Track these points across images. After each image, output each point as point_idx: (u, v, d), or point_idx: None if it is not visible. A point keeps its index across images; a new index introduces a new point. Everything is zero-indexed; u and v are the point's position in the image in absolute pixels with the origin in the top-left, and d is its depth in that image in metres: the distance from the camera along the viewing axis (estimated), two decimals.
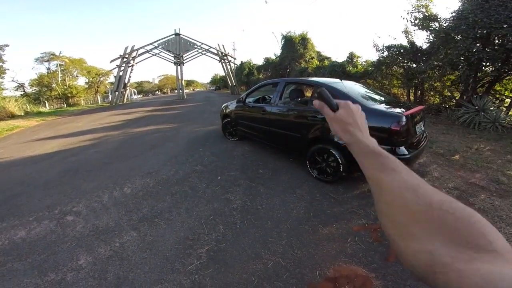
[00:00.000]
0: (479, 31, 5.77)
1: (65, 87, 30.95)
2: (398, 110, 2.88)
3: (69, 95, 30.67)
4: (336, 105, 0.55)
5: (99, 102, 31.79)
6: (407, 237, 0.33)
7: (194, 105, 16.14)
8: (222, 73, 42.03)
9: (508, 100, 6.82)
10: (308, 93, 4.72)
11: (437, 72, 7.40)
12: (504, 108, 6.33)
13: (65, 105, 28.62)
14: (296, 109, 3.88)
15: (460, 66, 6.24)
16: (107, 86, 36.88)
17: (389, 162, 0.43)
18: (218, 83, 51.90)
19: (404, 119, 2.61)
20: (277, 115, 4.03)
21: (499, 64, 6.03)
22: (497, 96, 7.01)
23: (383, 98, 3.52)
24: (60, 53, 31.97)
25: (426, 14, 7.33)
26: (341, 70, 12.90)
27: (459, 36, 6.22)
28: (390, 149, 2.68)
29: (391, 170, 0.42)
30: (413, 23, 7.69)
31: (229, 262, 2.05)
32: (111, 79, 34.18)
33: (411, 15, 7.60)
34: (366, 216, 2.64)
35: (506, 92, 7.19)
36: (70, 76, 33.59)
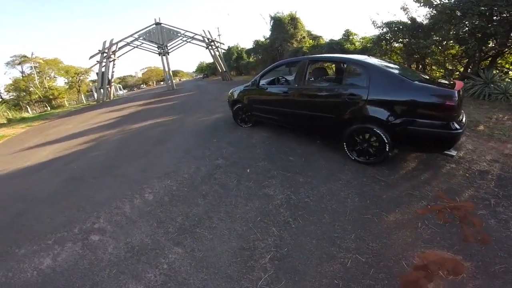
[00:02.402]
0: (482, 8, 5.85)
1: (45, 89, 29.14)
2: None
3: (51, 97, 28.96)
4: None
5: (84, 102, 30.23)
6: None
7: (187, 94, 15.40)
8: (208, 61, 40.50)
9: (511, 72, 7.17)
10: (331, 71, 4.35)
11: (440, 47, 7.64)
12: (510, 80, 6.53)
13: (48, 108, 26.98)
14: (328, 88, 3.49)
15: (469, 42, 6.33)
16: (90, 84, 34.98)
17: None
18: (206, 70, 50.03)
19: (456, 94, 2.55)
20: (304, 96, 3.64)
21: (503, 39, 6.10)
22: (499, 69, 7.27)
23: (416, 74, 3.32)
24: (32, 54, 29.71)
25: None
26: (339, 48, 12.51)
27: (460, 13, 6.27)
28: (444, 124, 2.58)
29: None
30: (415, 0, 7.51)
31: (300, 268, 1.77)
32: (92, 76, 32.32)
33: None
34: (424, 198, 2.42)
35: (507, 65, 7.53)
36: (48, 78, 31.47)
